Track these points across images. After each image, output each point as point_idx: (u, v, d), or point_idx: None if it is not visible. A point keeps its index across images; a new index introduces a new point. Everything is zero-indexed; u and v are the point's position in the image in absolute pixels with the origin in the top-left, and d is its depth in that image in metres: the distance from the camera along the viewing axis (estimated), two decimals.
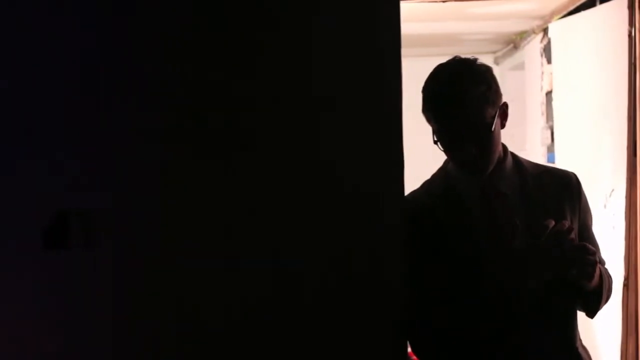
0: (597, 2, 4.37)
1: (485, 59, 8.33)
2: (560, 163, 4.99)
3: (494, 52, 8.08)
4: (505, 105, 2.21)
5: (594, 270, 2.11)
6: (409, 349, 2.23)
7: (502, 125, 2.22)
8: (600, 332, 4.16)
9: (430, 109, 2.18)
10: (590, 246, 2.11)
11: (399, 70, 2.07)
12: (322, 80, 2.06)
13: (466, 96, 2.13)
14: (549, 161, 5.65)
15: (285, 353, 2.06)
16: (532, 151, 6.36)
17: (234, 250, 2.05)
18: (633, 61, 3.73)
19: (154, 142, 2.03)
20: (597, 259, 2.13)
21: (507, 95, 7.07)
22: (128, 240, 2.03)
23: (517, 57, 7.04)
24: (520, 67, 6.88)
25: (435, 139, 2.18)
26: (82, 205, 2.03)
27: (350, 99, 2.06)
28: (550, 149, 5.60)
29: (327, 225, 2.06)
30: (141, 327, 2.04)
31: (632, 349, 3.75)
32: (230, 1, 2.03)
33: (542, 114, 5.86)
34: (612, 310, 3.89)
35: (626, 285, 3.79)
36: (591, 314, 2.28)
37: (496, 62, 8.17)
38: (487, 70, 2.20)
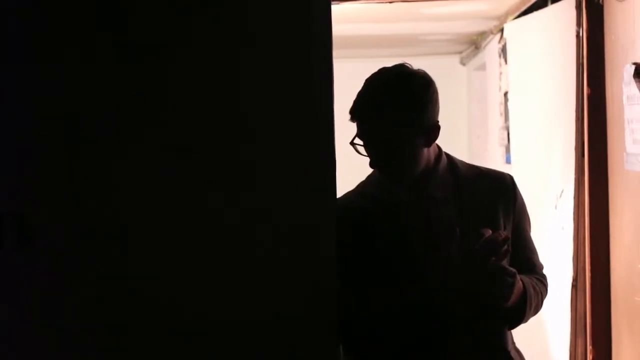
0: (549, 3, 4.38)
1: (451, 60, 8.32)
2: (516, 164, 4.99)
3: (459, 53, 8.08)
4: (436, 126, 2.16)
5: (511, 292, 2.09)
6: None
7: (427, 145, 2.17)
8: (549, 332, 4.17)
9: (351, 111, 2.18)
10: (509, 268, 2.09)
11: (330, 73, 2.04)
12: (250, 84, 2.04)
13: (380, 110, 2.12)
14: (506, 162, 5.65)
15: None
16: (493, 152, 6.37)
17: (166, 253, 2.05)
18: (581, 61, 3.73)
19: (82, 144, 2.02)
20: (516, 281, 2.10)
21: (472, 95, 7.07)
22: (62, 241, 2.02)
23: (480, 57, 7.03)
24: (484, 67, 6.87)
25: (354, 138, 2.18)
26: (16, 207, 2.01)
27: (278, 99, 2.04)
28: (509, 149, 5.61)
29: (256, 230, 2.04)
30: (74, 326, 2.03)
31: (582, 349, 3.75)
32: None
33: (501, 114, 5.87)
34: (561, 311, 3.89)
35: (575, 286, 3.78)
36: (511, 327, 2.26)
37: (462, 63, 8.17)
38: (421, 86, 2.14)
